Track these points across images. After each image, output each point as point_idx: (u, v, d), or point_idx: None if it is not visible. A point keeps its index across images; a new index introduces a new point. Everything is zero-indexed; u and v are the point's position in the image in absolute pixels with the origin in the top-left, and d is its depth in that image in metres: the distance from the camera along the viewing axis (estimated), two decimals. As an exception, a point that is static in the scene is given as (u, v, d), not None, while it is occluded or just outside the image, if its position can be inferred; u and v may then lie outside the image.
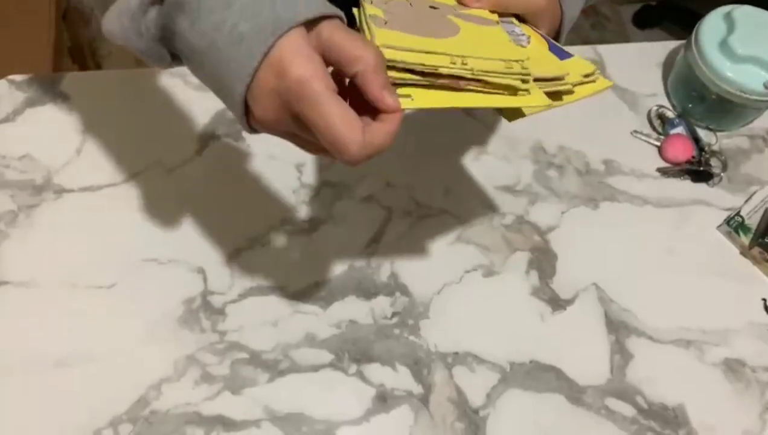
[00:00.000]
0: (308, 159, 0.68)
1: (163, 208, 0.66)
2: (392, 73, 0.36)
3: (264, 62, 0.33)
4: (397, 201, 0.67)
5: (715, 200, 0.68)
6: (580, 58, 0.48)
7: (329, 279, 0.63)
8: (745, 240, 0.65)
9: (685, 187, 0.69)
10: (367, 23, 0.40)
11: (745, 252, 0.66)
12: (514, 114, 0.43)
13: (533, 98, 0.40)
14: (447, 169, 0.69)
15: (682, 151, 0.69)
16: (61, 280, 0.62)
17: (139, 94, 0.72)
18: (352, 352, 0.60)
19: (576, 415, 0.58)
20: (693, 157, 0.69)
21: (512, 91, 0.39)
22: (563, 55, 0.47)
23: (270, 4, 0.33)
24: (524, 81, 0.39)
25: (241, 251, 0.64)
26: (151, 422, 0.56)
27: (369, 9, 0.42)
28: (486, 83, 0.39)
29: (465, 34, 0.42)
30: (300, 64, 0.32)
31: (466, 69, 0.38)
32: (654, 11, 1.77)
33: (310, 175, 0.68)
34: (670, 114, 0.72)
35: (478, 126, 0.71)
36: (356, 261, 0.64)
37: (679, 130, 0.71)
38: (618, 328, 0.62)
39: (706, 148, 0.70)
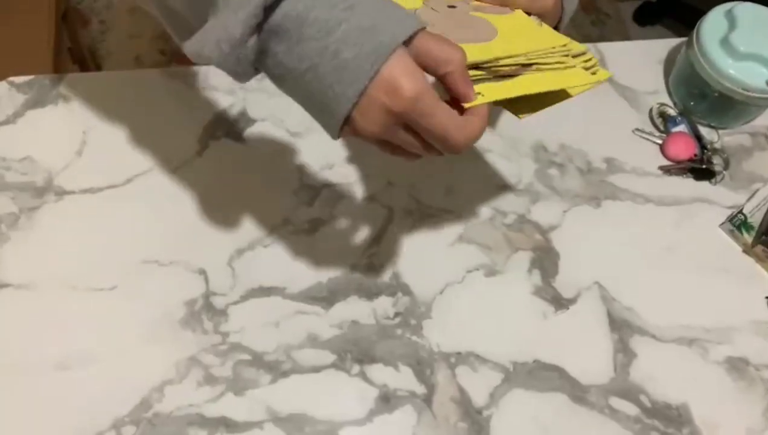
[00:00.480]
0: (309, 160, 0.68)
1: (164, 210, 0.66)
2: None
3: (372, 83, 0.37)
4: (399, 201, 0.67)
5: (718, 198, 0.68)
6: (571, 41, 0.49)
7: (331, 279, 0.63)
8: (748, 238, 0.65)
9: (687, 185, 0.69)
10: None
11: (747, 250, 0.65)
12: (549, 100, 0.45)
13: (580, 76, 0.44)
14: (448, 168, 0.69)
15: (683, 149, 0.69)
16: (62, 282, 0.62)
17: (139, 95, 0.72)
18: (355, 352, 0.60)
19: (579, 414, 0.58)
20: (695, 155, 0.69)
21: (563, 68, 0.43)
22: None
23: (371, 34, 0.36)
24: (571, 56, 0.44)
25: (242, 252, 0.64)
26: (153, 424, 0.56)
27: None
28: (540, 65, 0.43)
29: (503, 31, 0.45)
30: (409, 82, 0.37)
31: (522, 57, 0.42)
32: (654, 8, 1.76)
33: (311, 176, 0.68)
34: (672, 112, 0.72)
35: (479, 125, 0.71)
36: (358, 261, 0.64)
37: (681, 128, 0.70)
38: (621, 326, 0.62)
39: (708, 146, 0.70)
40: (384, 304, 0.62)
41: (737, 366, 0.60)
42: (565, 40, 0.46)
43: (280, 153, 0.68)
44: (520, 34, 0.46)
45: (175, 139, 0.69)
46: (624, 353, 0.61)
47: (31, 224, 0.65)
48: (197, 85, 0.73)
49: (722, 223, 0.67)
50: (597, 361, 0.60)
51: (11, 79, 0.73)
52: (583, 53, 0.47)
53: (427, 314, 0.62)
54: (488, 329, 0.61)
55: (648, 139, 0.71)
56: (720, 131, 0.71)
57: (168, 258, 0.63)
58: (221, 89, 0.72)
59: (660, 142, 0.70)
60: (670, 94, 0.74)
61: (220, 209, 0.66)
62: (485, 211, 0.67)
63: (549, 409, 0.58)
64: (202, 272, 0.63)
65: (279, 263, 0.63)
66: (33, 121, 0.70)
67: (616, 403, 0.59)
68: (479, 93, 0.41)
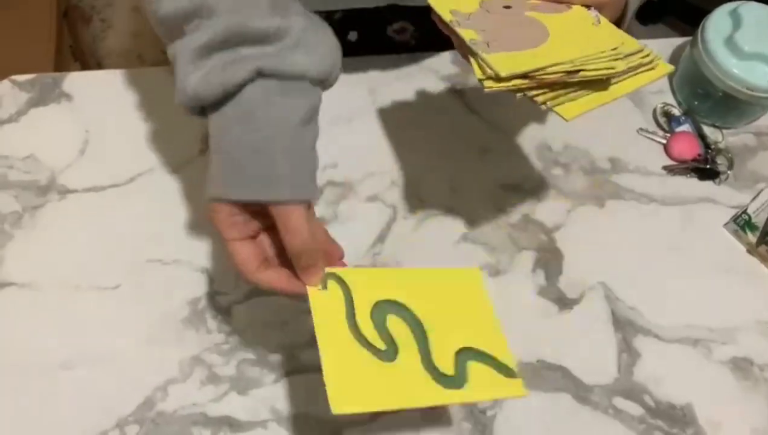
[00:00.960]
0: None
1: (167, 209, 0.66)
2: (512, 84, 0.42)
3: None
4: (403, 200, 0.67)
5: (722, 198, 0.68)
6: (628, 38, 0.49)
7: (335, 279, 0.63)
8: (752, 238, 0.65)
9: (691, 185, 0.69)
10: (470, 49, 0.44)
11: (752, 250, 0.65)
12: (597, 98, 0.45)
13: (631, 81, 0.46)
14: (452, 168, 0.68)
15: (688, 148, 0.69)
16: (65, 280, 0.62)
17: (141, 93, 0.72)
18: (359, 352, 0.59)
19: (583, 414, 0.58)
20: (699, 154, 0.69)
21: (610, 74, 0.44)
22: None
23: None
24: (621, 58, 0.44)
25: (246, 251, 0.64)
26: (157, 423, 0.56)
27: (463, 33, 0.46)
28: (587, 71, 0.43)
29: (554, 34, 0.46)
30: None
31: (568, 64, 0.43)
32: (658, 7, 1.76)
33: (314, 175, 0.67)
34: (676, 111, 0.72)
35: (482, 124, 0.71)
36: (362, 260, 0.64)
37: (685, 127, 0.70)
38: (625, 326, 0.62)
39: (713, 146, 0.70)
40: (388, 304, 0.62)
41: (741, 366, 0.60)
42: (617, 41, 0.45)
43: (283, 152, 0.68)
44: (572, 36, 0.46)
45: (178, 137, 0.69)
46: (628, 353, 0.60)
47: (35, 223, 0.64)
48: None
49: (726, 223, 0.66)
50: (601, 361, 0.60)
51: (13, 77, 0.73)
52: (639, 51, 0.46)
53: (431, 314, 0.62)
54: (492, 329, 0.61)
55: (652, 139, 0.71)
56: (724, 131, 0.71)
57: (171, 257, 0.63)
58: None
59: (664, 141, 0.70)
60: (674, 93, 0.74)
61: (223, 208, 0.66)
62: (489, 210, 0.67)
63: (553, 409, 0.58)
64: (206, 271, 0.63)
65: (283, 262, 0.63)
66: (36, 119, 0.70)
67: (620, 403, 0.58)
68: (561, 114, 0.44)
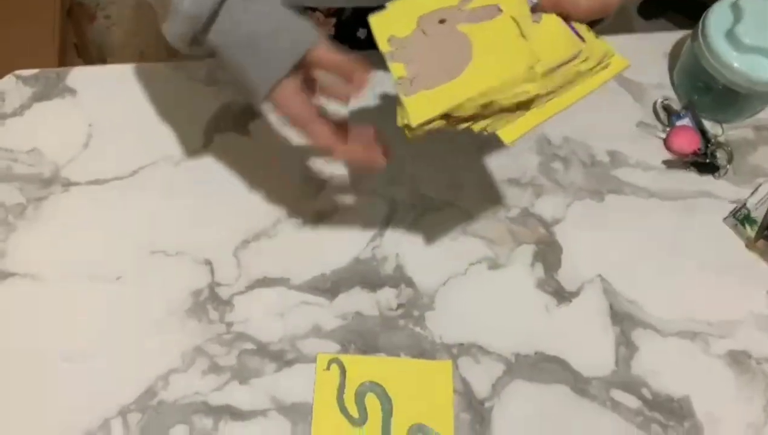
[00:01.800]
0: (314, 152, 0.69)
1: (169, 201, 0.66)
2: (430, 126, 0.45)
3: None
4: (402, 194, 0.67)
5: (721, 192, 0.68)
6: (594, 39, 0.48)
7: (335, 271, 0.63)
8: (751, 232, 0.65)
9: (690, 179, 0.69)
10: (396, 86, 0.47)
11: (750, 244, 0.65)
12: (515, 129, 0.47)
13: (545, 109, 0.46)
14: (452, 162, 0.69)
15: (687, 142, 0.69)
16: (68, 272, 0.62)
17: (144, 87, 0.72)
18: (358, 343, 0.60)
19: (581, 406, 0.58)
20: (699, 148, 0.69)
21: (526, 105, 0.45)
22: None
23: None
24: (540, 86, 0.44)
25: (247, 243, 0.64)
26: (159, 412, 0.57)
27: (393, 69, 0.48)
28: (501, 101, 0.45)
29: (477, 53, 0.47)
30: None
31: (482, 107, 0.44)
32: (659, 1, 1.76)
33: (315, 169, 0.68)
34: (676, 105, 0.72)
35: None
36: (361, 253, 0.64)
37: (685, 121, 0.70)
38: (623, 320, 0.62)
39: (712, 140, 0.70)
40: (387, 296, 0.62)
41: (739, 360, 0.61)
42: (534, 59, 0.44)
43: (285, 146, 0.69)
44: (495, 55, 0.46)
45: (181, 131, 0.70)
46: (626, 346, 0.61)
47: (38, 215, 0.65)
48: (202, 78, 0.73)
49: (726, 218, 0.67)
50: (599, 354, 0.61)
51: (18, 72, 0.73)
52: (573, 58, 0.45)
53: (430, 306, 0.62)
54: (491, 321, 0.62)
55: (652, 133, 0.71)
56: (724, 125, 0.71)
57: (174, 249, 0.64)
58: (225, 82, 0.73)
59: (664, 136, 0.70)
60: (674, 87, 0.74)
61: (225, 201, 0.66)
62: (488, 204, 0.67)
63: (551, 400, 0.58)
64: (208, 263, 0.63)
65: (284, 254, 0.64)
66: (40, 113, 0.71)
67: (618, 395, 0.59)
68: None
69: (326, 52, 0.48)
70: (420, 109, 0.45)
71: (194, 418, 0.56)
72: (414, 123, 0.45)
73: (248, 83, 0.48)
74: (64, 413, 0.56)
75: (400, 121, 0.46)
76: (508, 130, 0.46)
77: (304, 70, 0.48)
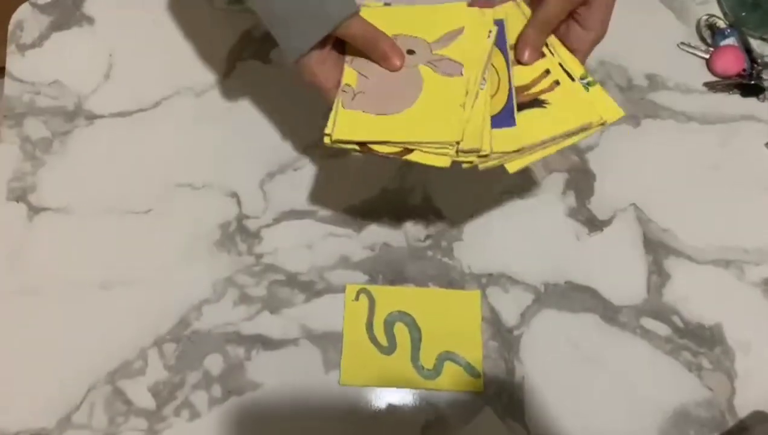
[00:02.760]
0: (338, 79, 0.67)
1: (193, 133, 0.66)
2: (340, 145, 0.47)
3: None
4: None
5: (766, 115, 0.65)
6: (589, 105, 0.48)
7: (362, 202, 0.63)
8: (795, 157, 0.62)
9: (733, 102, 0.66)
10: (339, 93, 0.48)
11: (794, 169, 0.63)
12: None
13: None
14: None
15: (732, 63, 0.65)
16: (98, 205, 0.63)
17: (163, 14, 0.70)
18: (387, 273, 0.60)
19: (610, 334, 0.58)
20: (744, 70, 0.65)
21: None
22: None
23: None
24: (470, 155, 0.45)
25: (273, 175, 0.64)
26: (193, 341, 0.58)
27: (345, 73, 0.49)
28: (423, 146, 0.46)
29: (421, 103, 0.47)
30: None
31: (400, 151, 0.46)
32: None
33: (340, 97, 0.66)
34: (722, 23, 0.67)
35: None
36: (389, 184, 0.63)
37: (730, 41, 0.66)
38: (656, 248, 0.61)
39: (759, 61, 0.66)
40: (415, 227, 0.62)
41: (775, 287, 0.60)
42: (458, 136, 0.45)
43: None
44: (433, 113, 0.46)
45: (202, 60, 0.68)
46: (658, 274, 0.60)
47: (64, 149, 0.65)
48: (221, 4, 0.71)
49: (768, 142, 0.64)
50: (630, 283, 0.60)
51: (33, 0, 0.72)
52: (482, 154, 0.45)
53: (459, 236, 0.61)
54: (520, 251, 0.61)
55: (694, 54, 0.67)
56: (772, 44, 0.67)
57: (200, 181, 0.64)
58: (245, 9, 0.70)
59: (707, 56, 0.67)
60: (720, 4, 0.69)
61: (249, 132, 0.65)
62: (519, 131, 0.65)
63: (579, 328, 0.58)
64: (234, 195, 0.63)
65: (310, 186, 0.63)
66: (59, 43, 0.70)
67: (648, 323, 0.59)
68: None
69: (359, 27, 0.47)
70: (348, 127, 0.46)
71: (227, 347, 0.58)
72: (336, 136, 0.46)
73: (280, 43, 0.47)
74: (100, 343, 0.58)
75: (329, 127, 0.47)
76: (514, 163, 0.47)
77: (334, 39, 0.47)
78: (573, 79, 0.49)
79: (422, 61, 0.49)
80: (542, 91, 0.49)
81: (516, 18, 0.50)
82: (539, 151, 0.47)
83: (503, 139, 0.46)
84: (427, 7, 0.51)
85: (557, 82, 0.49)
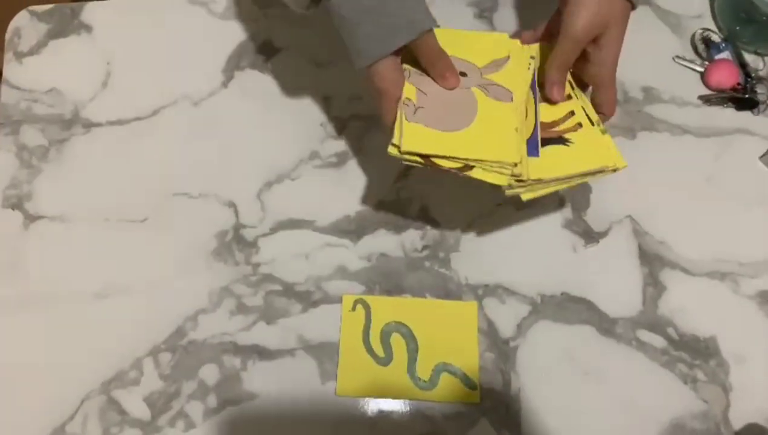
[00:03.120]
0: (336, 91, 0.67)
1: (191, 142, 0.66)
2: (407, 156, 0.48)
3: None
4: (427, 132, 0.65)
5: (760, 129, 0.66)
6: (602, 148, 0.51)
7: (359, 212, 0.63)
8: (789, 170, 0.63)
9: (728, 115, 0.66)
10: (400, 107, 0.49)
11: (787, 183, 0.63)
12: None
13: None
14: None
15: (726, 76, 0.66)
16: (94, 214, 0.63)
17: (161, 23, 0.71)
18: (383, 283, 0.60)
19: (606, 345, 0.58)
20: (738, 83, 0.66)
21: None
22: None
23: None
24: (511, 179, 0.47)
25: (271, 185, 0.64)
26: (189, 351, 0.58)
27: (405, 87, 0.49)
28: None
29: (479, 123, 0.48)
30: None
31: (462, 167, 0.47)
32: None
33: (338, 108, 0.66)
34: (716, 37, 0.68)
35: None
36: (386, 195, 0.63)
37: (725, 54, 0.67)
38: (652, 260, 0.61)
39: (753, 74, 0.67)
40: (412, 237, 0.62)
41: (769, 300, 0.60)
42: (516, 157, 0.47)
43: (306, 84, 0.67)
44: (490, 133, 0.48)
45: (200, 69, 0.68)
46: (654, 287, 0.60)
47: (61, 157, 0.65)
48: (219, 12, 0.71)
49: (762, 156, 0.64)
50: (626, 295, 0.60)
51: (32, 8, 0.72)
52: (527, 181, 0.48)
53: (456, 247, 0.62)
54: (517, 262, 0.61)
55: (689, 67, 0.68)
56: (766, 58, 0.68)
57: (197, 190, 0.63)
58: (243, 18, 0.70)
59: (702, 70, 0.67)
60: (714, 18, 0.70)
61: (247, 141, 0.65)
62: (516, 143, 0.65)
63: (576, 340, 0.59)
64: (232, 205, 0.63)
65: (307, 196, 0.63)
66: (56, 51, 0.70)
67: (644, 335, 0.59)
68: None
69: (431, 42, 0.48)
70: (414, 139, 0.47)
71: (223, 358, 0.58)
72: (405, 148, 0.47)
73: (353, 46, 0.48)
74: (96, 353, 0.58)
75: (396, 138, 0.48)
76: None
77: (405, 51, 0.49)
78: (593, 124, 0.52)
79: (474, 83, 0.51)
80: (566, 130, 0.52)
81: (544, 57, 0.54)
82: (553, 185, 0.49)
83: (530, 168, 0.49)
84: (475, 32, 0.55)
85: (580, 124, 0.52)
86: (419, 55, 0.49)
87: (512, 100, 0.50)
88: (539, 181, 0.49)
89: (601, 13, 0.49)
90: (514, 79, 0.52)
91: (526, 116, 0.51)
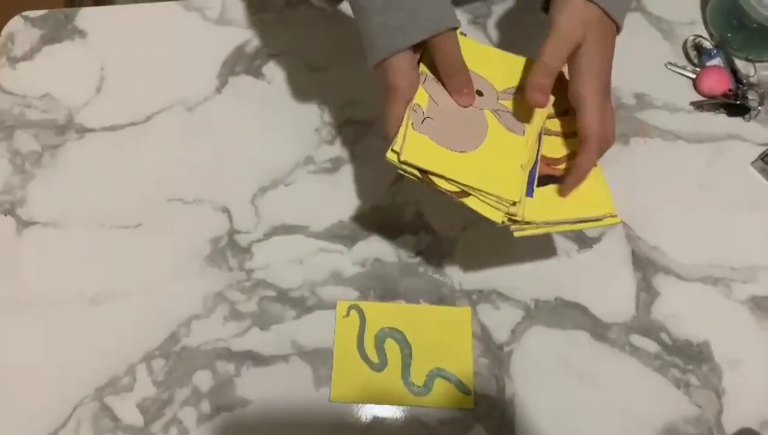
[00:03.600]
0: (330, 96, 0.67)
1: (185, 148, 0.65)
2: (405, 166, 0.46)
3: None
4: (422, 138, 0.65)
5: (751, 135, 0.66)
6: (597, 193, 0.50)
7: (353, 218, 0.63)
8: (780, 176, 0.63)
9: (719, 121, 0.67)
10: (408, 111, 0.47)
11: (779, 188, 0.64)
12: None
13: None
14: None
15: (718, 83, 0.66)
16: (88, 220, 0.63)
17: (155, 29, 0.71)
18: (378, 289, 0.60)
19: (600, 351, 0.58)
20: (729, 89, 0.66)
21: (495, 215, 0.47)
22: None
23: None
24: (505, 217, 0.47)
25: (265, 190, 0.64)
26: (182, 357, 0.58)
27: (418, 93, 0.47)
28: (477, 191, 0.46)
29: (485, 149, 0.47)
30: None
31: (458, 192, 0.46)
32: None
33: (332, 113, 0.66)
34: (708, 44, 0.69)
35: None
36: (380, 200, 0.63)
37: (716, 61, 0.68)
38: (645, 265, 0.61)
39: (744, 81, 0.67)
40: (406, 243, 0.62)
41: (761, 305, 0.60)
42: (517, 196, 0.46)
43: (300, 89, 0.67)
44: (493, 163, 0.47)
45: (194, 75, 0.68)
46: (647, 292, 0.60)
47: (55, 162, 0.65)
48: (214, 18, 0.71)
49: (754, 161, 0.65)
50: (619, 300, 0.60)
51: (25, 13, 0.72)
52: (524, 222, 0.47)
53: (450, 253, 0.62)
54: (510, 268, 0.61)
55: (681, 74, 0.68)
56: (757, 65, 0.68)
57: (191, 196, 0.63)
58: (237, 23, 0.70)
59: (693, 76, 0.68)
60: (706, 25, 0.70)
61: (241, 147, 0.65)
62: (510, 148, 0.65)
63: (569, 345, 0.59)
64: (226, 210, 0.63)
65: (302, 202, 0.63)
66: (50, 56, 0.70)
67: (637, 340, 0.59)
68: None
69: (453, 46, 0.46)
70: (415, 151, 0.46)
71: (217, 364, 0.58)
72: (404, 157, 0.45)
73: (369, 37, 0.46)
74: (89, 359, 0.58)
75: (397, 144, 0.46)
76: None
77: (422, 49, 0.47)
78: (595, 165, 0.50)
79: (488, 106, 0.49)
80: (567, 171, 0.50)
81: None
82: (545, 228, 0.48)
83: (526, 208, 0.48)
84: (500, 52, 0.52)
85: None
86: (438, 59, 0.46)
87: (524, 133, 0.48)
88: (532, 223, 0.47)
89: (586, 16, 0.47)
90: (530, 112, 0.49)
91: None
